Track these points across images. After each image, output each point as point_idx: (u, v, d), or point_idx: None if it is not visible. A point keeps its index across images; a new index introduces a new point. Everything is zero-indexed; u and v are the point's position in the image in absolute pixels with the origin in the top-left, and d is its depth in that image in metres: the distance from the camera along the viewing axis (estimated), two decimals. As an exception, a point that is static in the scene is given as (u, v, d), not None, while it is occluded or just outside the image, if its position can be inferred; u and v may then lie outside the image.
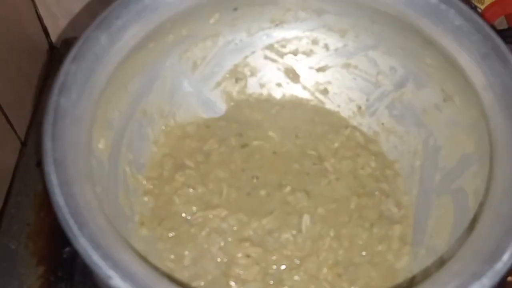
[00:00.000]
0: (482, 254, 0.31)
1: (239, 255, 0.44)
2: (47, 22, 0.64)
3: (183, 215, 0.47)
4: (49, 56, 0.66)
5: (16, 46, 0.58)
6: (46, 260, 0.49)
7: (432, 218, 0.46)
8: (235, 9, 0.50)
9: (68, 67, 0.36)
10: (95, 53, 0.38)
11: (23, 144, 0.59)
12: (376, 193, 0.49)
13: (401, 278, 0.44)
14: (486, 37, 0.40)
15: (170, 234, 0.46)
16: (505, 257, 0.30)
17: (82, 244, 0.28)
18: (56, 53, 0.67)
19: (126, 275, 0.28)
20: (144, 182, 0.48)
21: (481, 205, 0.38)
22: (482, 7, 0.67)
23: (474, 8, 0.67)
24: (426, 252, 0.45)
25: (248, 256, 0.44)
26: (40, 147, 0.33)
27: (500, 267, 0.30)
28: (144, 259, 0.36)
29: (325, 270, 0.44)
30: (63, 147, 0.32)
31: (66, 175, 0.31)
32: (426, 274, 0.42)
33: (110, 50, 0.40)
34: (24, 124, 0.60)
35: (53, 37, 0.66)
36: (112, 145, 0.45)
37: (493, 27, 0.40)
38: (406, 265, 0.45)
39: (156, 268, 0.40)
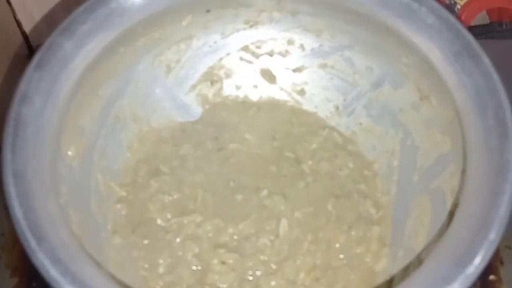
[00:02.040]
0: (453, 257, 0.30)
1: (215, 261, 0.44)
2: (26, 26, 0.63)
3: (158, 222, 0.46)
4: (29, 61, 0.65)
5: None
6: (20, 271, 0.48)
7: (410, 219, 0.46)
8: (208, 11, 0.49)
9: (30, 75, 0.35)
10: (60, 59, 0.37)
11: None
12: (354, 194, 0.49)
13: (379, 280, 0.44)
14: (458, 35, 0.39)
15: (145, 242, 0.45)
16: (477, 260, 0.30)
17: (40, 258, 0.27)
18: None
19: (87, 291, 0.27)
20: (118, 189, 0.47)
21: (455, 206, 0.37)
22: (462, 2, 0.67)
23: (448, 5, 0.67)
24: (404, 253, 0.44)
25: (223, 262, 0.44)
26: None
27: (471, 271, 0.29)
28: (109, 274, 0.35)
29: (302, 274, 0.44)
30: (24, 158, 0.31)
31: (26, 187, 0.30)
32: (405, 276, 0.41)
33: (75, 56, 0.39)
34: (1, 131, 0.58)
35: (33, 42, 0.65)
36: (84, 152, 0.44)
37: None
38: (385, 267, 0.45)
39: (127, 280, 0.39)
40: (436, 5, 0.40)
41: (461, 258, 0.30)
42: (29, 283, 0.47)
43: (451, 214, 0.38)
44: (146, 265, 0.44)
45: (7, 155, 0.30)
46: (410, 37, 0.42)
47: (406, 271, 0.42)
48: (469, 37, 0.38)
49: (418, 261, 0.41)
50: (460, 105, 0.38)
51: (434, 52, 0.40)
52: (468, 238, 0.31)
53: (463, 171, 0.37)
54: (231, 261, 0.44)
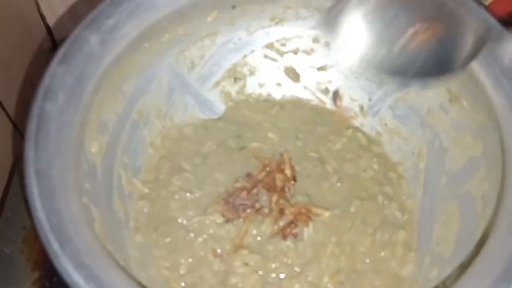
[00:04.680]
0: (496, 270, 0.29)
1: (237, 263, 0.43)
2: (50, 20, 0.63)
3: (179, 220, 0.45)
4: (52, 55, 0.65)
5: (19, 45, 0.57)
6: (42, 265, 0.48)
7: (438, 223, 0.45)
8: (234, 7, 0.48)
9: (55, 69, 0.34)
10: (86, 54, 0.37)
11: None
12: (379, 197, 0.48)
13: (405, 287, 0.43)
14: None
15: (166, 240, 0.44)
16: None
17: (63, 263, 0.26)
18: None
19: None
20: (140, 186, 0.47)
21: (494, 215, 0.36)
22: (486, 2, 0.65)
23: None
24: (431, 259, 0.43)
25: (246, 264, 0.43)
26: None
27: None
28: (134, 278, 0.34)
29: (326, 278, 0.43)
30: (47, 157, 0.30)
31: (49, 187, 0.29)
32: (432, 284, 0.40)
33: (101, 50, 0.38)
34: (26, 123, 0.58)
35: (57, 35, 0.65)
36: (107, 149, 0.43)
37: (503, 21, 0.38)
38: (411, 273, 0.44)
39: (148, 279, 0.39)
40: (474, 4, 0.38)
41: (505, 271, 0.29)
42: (51, 278, 0.47)
43: (488, 224, 0.37)
44: (168, 264, 0.43)
45: (30, 153, 0.30)
46: (444, 37, 0.40)
47: (434, 279, 0.41)
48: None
49: (446, 270, 0.40)
50: (498, 108, 0.37)
51: (469, 52, 0.39)
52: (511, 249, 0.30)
53: (503, 178, 0.36)
54: (253, 263, 0.43)
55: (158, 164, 0.49)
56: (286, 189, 0.46)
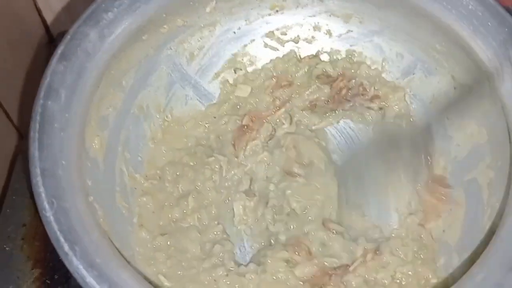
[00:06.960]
0: (506, 261, 0.29)
1: None
2: (46, 14, 0.62)
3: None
4: (49, 50, 0.64)
5: (15, 40, 0.56)
6: (42, 262, 0.47)
7: (444, 212, 0.44)
8: (233, -5, 0.47)
9: (55, 66, 0.33)
10: (85, 50, 0.36)
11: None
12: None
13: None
14: (502, 22, 0.37)
15: (168, 243, 0.43)
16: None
17: (74, 263, 0.26)
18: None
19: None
20: (142, 181, 0.46)
21: (502, 204, 0.36)
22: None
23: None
24: (438, 247, 0.43)
25: None
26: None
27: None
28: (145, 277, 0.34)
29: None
30: (52, 156, 0.30)
31: (56, 187, 0.28)
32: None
33: (101, 45, 0.37)
34: (24, 119, 0.57)
35: (53, 30, 0.64)
36: (108, 144, 0.42)
37: (508, 11, 0.38)
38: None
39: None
40: (479, -11, 0.38)
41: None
42: (51, 275, 0.46)
43: (497, 214, 0.37)
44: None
45: (35, 152, 0.29)
46: (449, 23, 0.40)
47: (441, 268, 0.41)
48: (516, 25, 0.37)
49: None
50: (506, 96, 0.36)
51: (476, 39, 0.38)
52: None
53: (510, 166, 0.36)
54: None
55: (159, 158, 0.48)
56: None
